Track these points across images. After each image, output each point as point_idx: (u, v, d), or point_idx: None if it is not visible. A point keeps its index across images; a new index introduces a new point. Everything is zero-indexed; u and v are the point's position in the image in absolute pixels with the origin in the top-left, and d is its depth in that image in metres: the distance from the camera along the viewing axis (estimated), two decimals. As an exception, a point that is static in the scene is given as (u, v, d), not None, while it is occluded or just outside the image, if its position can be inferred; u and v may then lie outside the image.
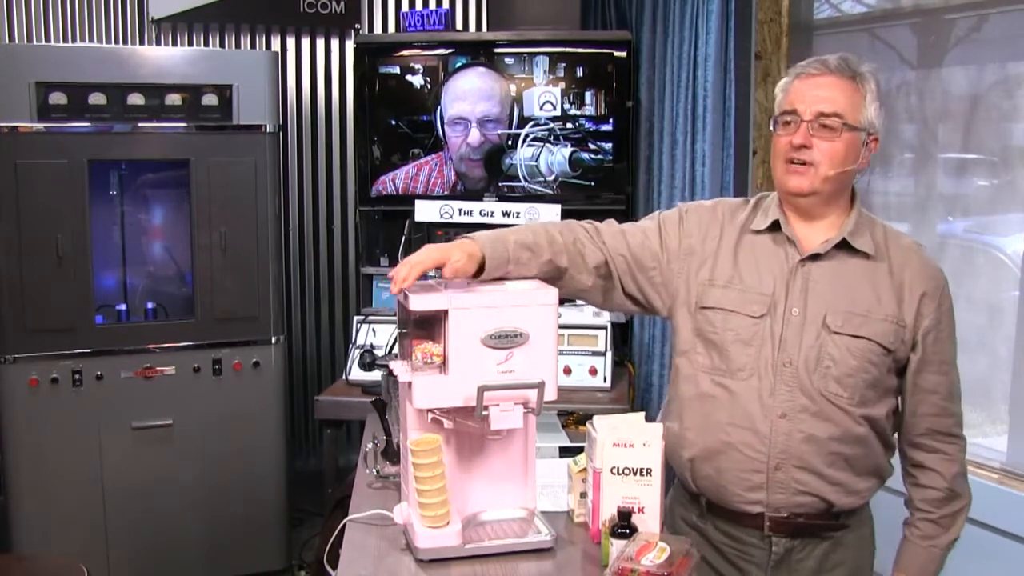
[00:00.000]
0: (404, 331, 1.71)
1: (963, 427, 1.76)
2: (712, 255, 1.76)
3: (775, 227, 1.73)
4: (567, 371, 3.01)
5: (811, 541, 1.73)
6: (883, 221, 1.77)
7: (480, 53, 3.45)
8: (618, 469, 1.68)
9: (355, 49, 3.59)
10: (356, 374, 3.06)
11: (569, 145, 3.42)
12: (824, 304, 1.66)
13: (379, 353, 3.01)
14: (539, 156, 3.44)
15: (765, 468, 1.67)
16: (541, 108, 3.41)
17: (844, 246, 1.69)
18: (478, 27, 4.14)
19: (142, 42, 3.79)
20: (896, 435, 1.79)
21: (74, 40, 3.71)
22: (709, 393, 1.72)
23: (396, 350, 2.07)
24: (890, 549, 1.81)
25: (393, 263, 3.57)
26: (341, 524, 1.81)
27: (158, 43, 3.81)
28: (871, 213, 1.78)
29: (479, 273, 1.69)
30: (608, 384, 3.02)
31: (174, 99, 3.10)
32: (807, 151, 1.64)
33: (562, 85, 3.41)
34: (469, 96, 3.45)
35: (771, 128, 1.71)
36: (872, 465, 1.73)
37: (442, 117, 3.47)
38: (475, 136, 3.45)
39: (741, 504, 1.71)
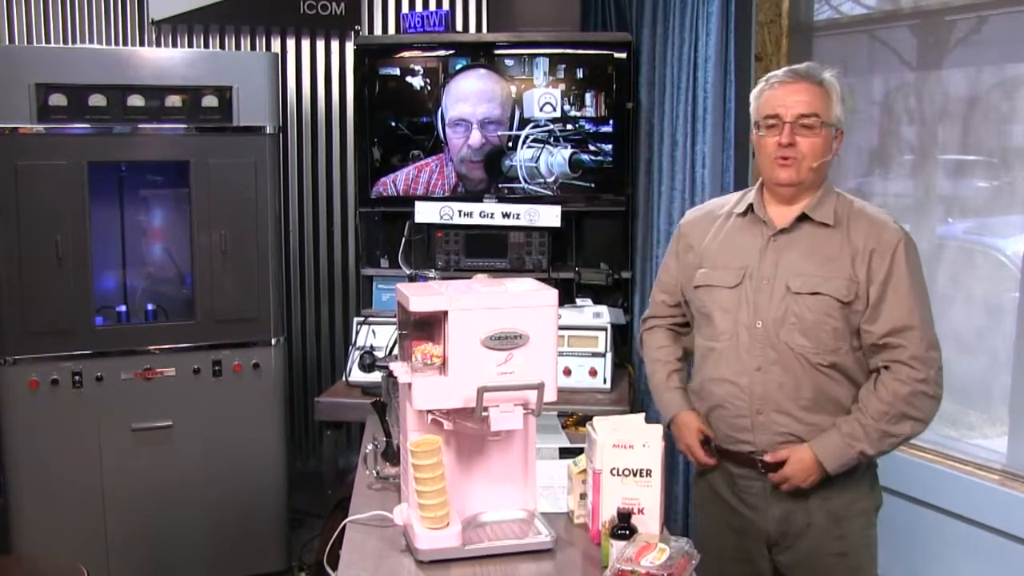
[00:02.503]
0: (404, 332, 1.72)
1: (929, 364, 1.87)
2: (703, 242, 2.08)
3: (750, 209, 2.02)
4: (567, 372, 3.01)
5: None
6: (852, 196, 2.00)
7: (480, 55, 3.45)
8: (618, 470, 1.68)
9: (355, 50, 3.59)
10: (356, 375, 3.06)
11: (569, 146, 3.42)
12: (789, 270, 1.93)
13: (379, 354, 3.02)
14: (539, 157, 3.44)
15: (749, 413, 1.96)
16: (541, 109, 3.42)
17: (807, 220, 1.95)
18: (478, 28, 4.13)
19: (142, 43, 3.79)
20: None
21: (74, 41, 3.71)
22: (705, 356, 2.05)
23: (396, 351, 2.07)
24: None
25: (393, 265, 3.57)
26: (341, 525, 1.81)
27: (158, 44, 3.81)
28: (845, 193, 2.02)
29: None
30: (608, 385, 3.02)
31: (174, 100, 3.09)
32: (792, 148, 1.91)
33: (562, 86, 3.41)
34: (471, 98, 3.45)
35: (754, 131, 1.98)
36: (846, 408, 1.93)
37: (443, 118, 3.47)
38: (476, 137, 3.45)
39: (737, 446, 2.00)
